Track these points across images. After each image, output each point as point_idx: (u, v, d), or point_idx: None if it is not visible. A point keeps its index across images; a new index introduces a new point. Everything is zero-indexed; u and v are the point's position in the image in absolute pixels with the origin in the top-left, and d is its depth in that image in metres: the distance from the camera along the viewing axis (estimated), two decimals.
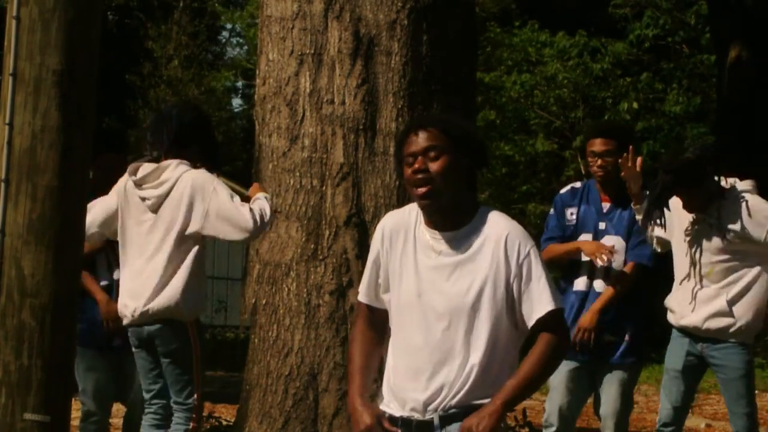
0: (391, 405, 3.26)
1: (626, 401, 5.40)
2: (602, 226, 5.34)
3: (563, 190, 5.53)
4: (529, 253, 3.19)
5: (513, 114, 20.22)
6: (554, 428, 5.33)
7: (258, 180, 5.60)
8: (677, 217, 5.18)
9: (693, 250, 5.15)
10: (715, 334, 5.14)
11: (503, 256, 3.17)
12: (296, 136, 5.46)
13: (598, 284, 5.31)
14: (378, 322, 3.39)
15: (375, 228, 5.32)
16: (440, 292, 3.19)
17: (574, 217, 5.38)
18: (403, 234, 3.30)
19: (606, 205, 5.37)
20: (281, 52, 5.55)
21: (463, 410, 3.17)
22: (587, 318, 5.24)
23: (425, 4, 5.49)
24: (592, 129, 5.75)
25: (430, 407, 3.19)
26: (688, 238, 5.16)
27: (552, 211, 5.50)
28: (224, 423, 7.44)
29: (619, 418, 5.35)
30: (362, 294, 3.42)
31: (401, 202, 5.36)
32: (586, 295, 5.30)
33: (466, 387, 3.18)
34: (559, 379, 5.30)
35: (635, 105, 18.67)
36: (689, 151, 5.10)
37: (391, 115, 5.41)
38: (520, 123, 20.39)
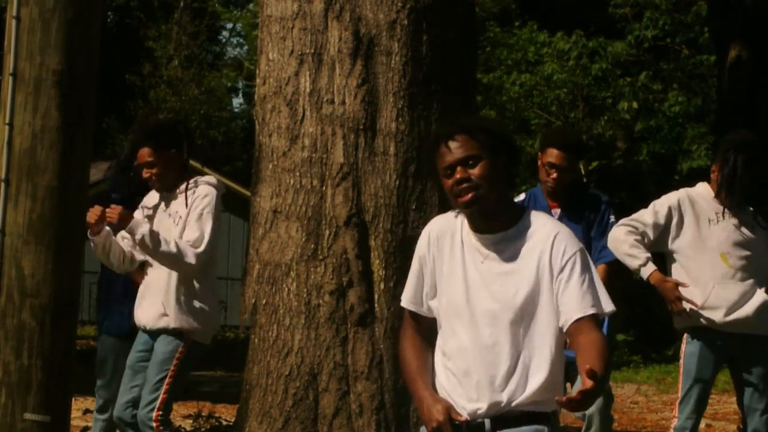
0: None
1: (607, 395, 5.44)
2: None
3: None
4: (575, 254, 3.14)
5: (513, 114, 20.22)
6: None
7: (258, 180, 5.59)
8: (695, 215, 5.17)
9: (725, 247, 5.16)
10: (759, 328, 5.19)
11: (548, 258, 3.14)
12: (296, 136, 5.45)
13: None
14: (424, 328, 3.36)
15: (375, 228, 5.37)
16: (489, 296, 3.17)
17: None
18: (449, 238, 3.27)
19: (556, 212, 5.43)
20: (281, 51, 5.55)
21: (513, 415, 3.15)
22: None
23: (425, 4, 5.48)
24: (551, 138, 5.60)
25: (480, 411, 3.17)
26: (717, 236, 5.16)
27: None
28: (224, 423, 7.44)
29: (603, 413, 5.38)
30: (407, 301, 3.37)
31: (401, 202, 5.36)
32: None
33: (517, 391, 3.15)
34: None
35: (635, 105, 18.68)
36: (749, 134, 5.17)
37: (391, 115, 5.41)
38: (520, 123, 20.40)
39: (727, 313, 5.16)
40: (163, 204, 5.41)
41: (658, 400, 11.46)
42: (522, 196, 5.60)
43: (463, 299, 3.19)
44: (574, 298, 3.11)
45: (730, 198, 5.14)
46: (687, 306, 5.14)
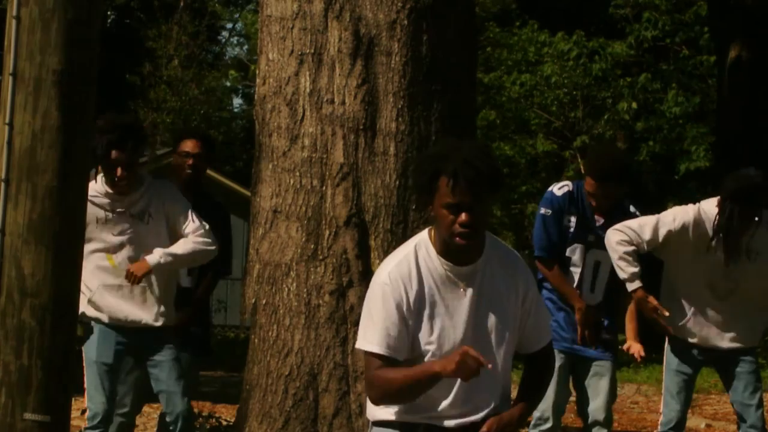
0: (426, 417, 3.27)
1: (614, 394, 5.51)
2: (591, 238, 5.35)
3: (559, 193, 5.35)
4: (532, 281, 3.37)
5: (513, 114, 20.23)
6: (550, 424, 5.36)
7: (258, 180, 5.60)
8: (696, 238, 5.12)
9: (715, 277, 5.15)
10: (736, 351, 5.25)
11: (514, 286, 3.29)
12: (296, 136, 5.46)
13: (585, 293, 5.39)
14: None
15: (375, 228, 5.37)
16: (473, 325, 3.23)
17: (573, 224, 5.34)
18: (417, 279, 3.24)
19: (599, 219, 5.35)
20: (281, 51, 5.55)
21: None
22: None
23: (425, 4, 5.49)
24: (598, 171, 5.30)
25: (461, 424, 3.26)
26: (710, 265, 5.13)
27: (549, 211, 5.34)
28: (224, 423, 7.44)
29: (609, 412, 5.42)
30: (383, 347, 3.21)
31: (401, 202, 5.36)
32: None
33: (504, 406, 3.30)
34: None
35: (634, 105, 18.69)
36: (753, 176, 5.04)
37: (391, 115, 5.41)
38: (520, 123, 20.40)
39: (701, 342, 5.24)
40: (119, 207, 5.15)
41: (658, 400, 11.41)
42: (571, 186, 5.38)
43: (449, 330, 3.22)
44: (539, 330, 3.39)
45: (728, 250, 5.09)
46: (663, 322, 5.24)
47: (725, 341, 5.22)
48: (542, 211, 5.39)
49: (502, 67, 20.05)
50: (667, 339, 5.35)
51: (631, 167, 5.65)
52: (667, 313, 5.17)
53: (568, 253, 5.36)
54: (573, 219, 5.33)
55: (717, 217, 5.07)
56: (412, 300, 3.21)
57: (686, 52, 19.56)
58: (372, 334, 3.22)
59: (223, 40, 35.41)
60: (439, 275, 3.22)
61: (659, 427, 5.32)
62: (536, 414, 5.41)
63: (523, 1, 21.16)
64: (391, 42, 5.43)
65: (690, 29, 19.09)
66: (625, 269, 5.14)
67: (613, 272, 5.27)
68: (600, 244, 5.29)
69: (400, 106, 5.42)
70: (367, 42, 5.43)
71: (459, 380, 3.19)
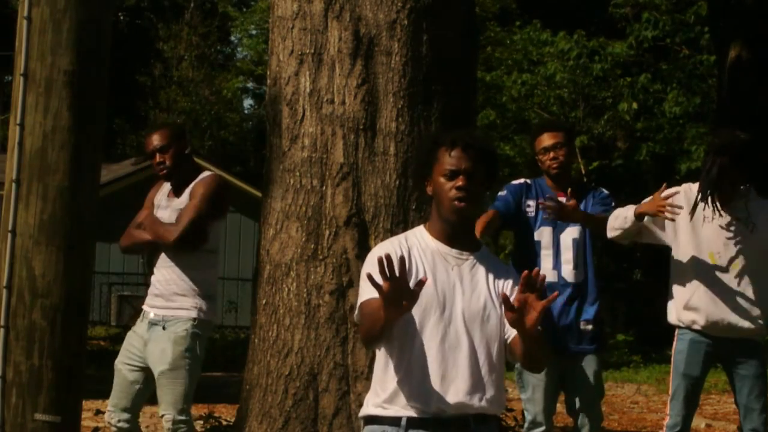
0: (408, 407, 3.26)
1: (600, 389, 5.50)
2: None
3: (515, 182, 5.58)
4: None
5: (513, 114, 20.23)
6: (543, 428, 5.36)
7: (267, 180, 5.59)
8: (685, 210, 5.15)
9: (716, 246, 5.14)
10: (745, 333, 5.16)
11: (506, 289, 3.35)
12: (296, 135, 5.46)
13: (566, 273, 5.38)
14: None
15: (375, 228, 5.37)
16: (457, 303, 3.29)
17: (533, 209, 5.44)
18: (407, 253, 3.32)
19: (562, 200, 5.40)
20: (281, 52, 5.56)
21: (479, 418, 3.29)
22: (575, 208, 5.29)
23: (425, 4, 5.49)
24: (537, 128, 5.75)
25: (453, 409, 3.25)
26: (708, 234, 5.13)
27: (503, 192, 5.49)
28: (224, 423, 7.44)
29: (598, 406, 5.41)
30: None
31: (401, 202, 5.36)
32: (554, 286, 5.32)
33: (486, 395, 3.28)
34: (539, 377, 5.30)
35: (634, 105, 18.70)
36: (738, 133, 5.08)
37: (391, 115, 5.41)
38: (520, 123, 20.40)
39: (708, 317, 5.14)
40: None
41: (658, 400, 11.46)
42: (529, 180, 5.57)
43: (438, 306, 3.27)
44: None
45: (711, 202, 5.10)
46: (676, 211, 5.03)
47: (732, 322, 5.11)
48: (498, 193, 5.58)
49: (503, 66, 20.05)
50: (675, 339, 5.28)
51: (570, 124, 5.87)
52: (677, 187, 5.12)
53: (536, 237, 5.43)
54: (531, 203, 5.46)
55: (702, 174, 5.10)
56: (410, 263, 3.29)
57: (686, 52, 19.56)
58: (366, 292, 3.25)
59: (236, 41, 35.30)
60: (432, 251, 3.33)
61: (665, 429, 5.26)
62: (528, 417, 5.41)
63: (524, 0, 21.16)
64: (391, 42, 5.43)
65: (690, 29, 19.09)
66: (618, 216, 5.15)
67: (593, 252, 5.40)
68: (571, 222, 5.38)
69: (400, 106, 5.42)
70: (367, 42, 5.43)
71: (435, 368, 3.23)
